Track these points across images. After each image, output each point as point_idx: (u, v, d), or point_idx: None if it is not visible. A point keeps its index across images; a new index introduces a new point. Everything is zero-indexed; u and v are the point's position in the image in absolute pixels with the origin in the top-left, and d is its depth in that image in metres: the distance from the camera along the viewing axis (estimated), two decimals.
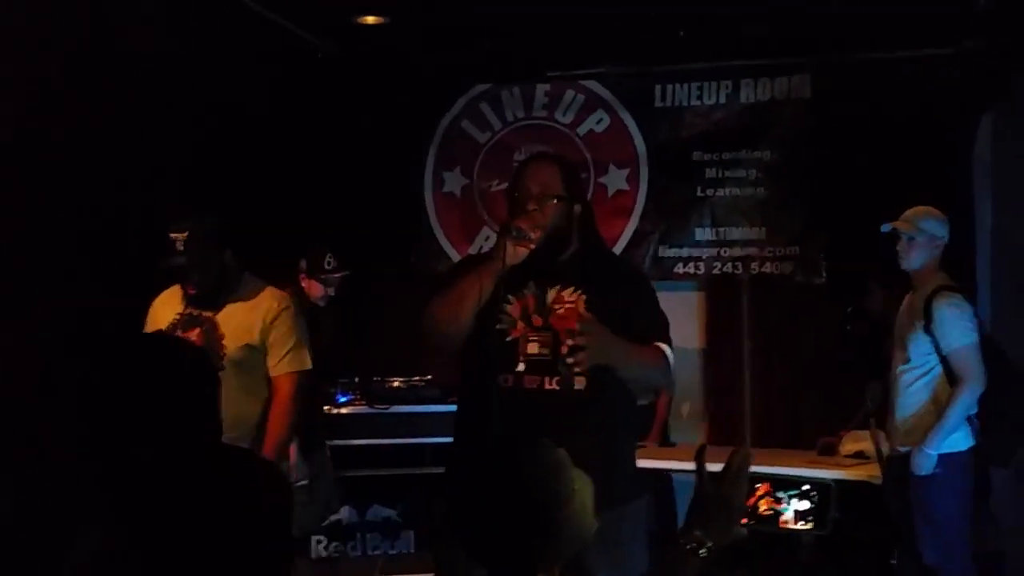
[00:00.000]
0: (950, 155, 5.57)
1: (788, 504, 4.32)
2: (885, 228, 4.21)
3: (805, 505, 4.27)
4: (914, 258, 4.16)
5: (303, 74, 5.73)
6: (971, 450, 4.04)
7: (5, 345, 3.62)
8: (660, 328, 2.83)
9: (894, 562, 4.41)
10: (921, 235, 4.14)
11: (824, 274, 5.79)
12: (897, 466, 4.18)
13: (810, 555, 4.61)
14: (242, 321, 3.65)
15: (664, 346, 2.78)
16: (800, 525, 4.31)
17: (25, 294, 3.74)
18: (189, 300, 3.65)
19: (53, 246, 3.90)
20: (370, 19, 5.40)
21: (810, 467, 4.83)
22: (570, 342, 2.57)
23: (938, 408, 4.05)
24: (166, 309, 3.69)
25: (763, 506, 4.33)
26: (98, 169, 4.12)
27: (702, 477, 1.79)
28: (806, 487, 4.27)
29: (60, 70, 3.98)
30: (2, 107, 3.73)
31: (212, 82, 4.68)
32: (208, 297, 3.62)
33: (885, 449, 4.36)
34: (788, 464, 4.85)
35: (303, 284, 4.76)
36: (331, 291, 4.79)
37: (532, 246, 2.64)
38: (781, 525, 4.30)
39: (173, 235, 3.56)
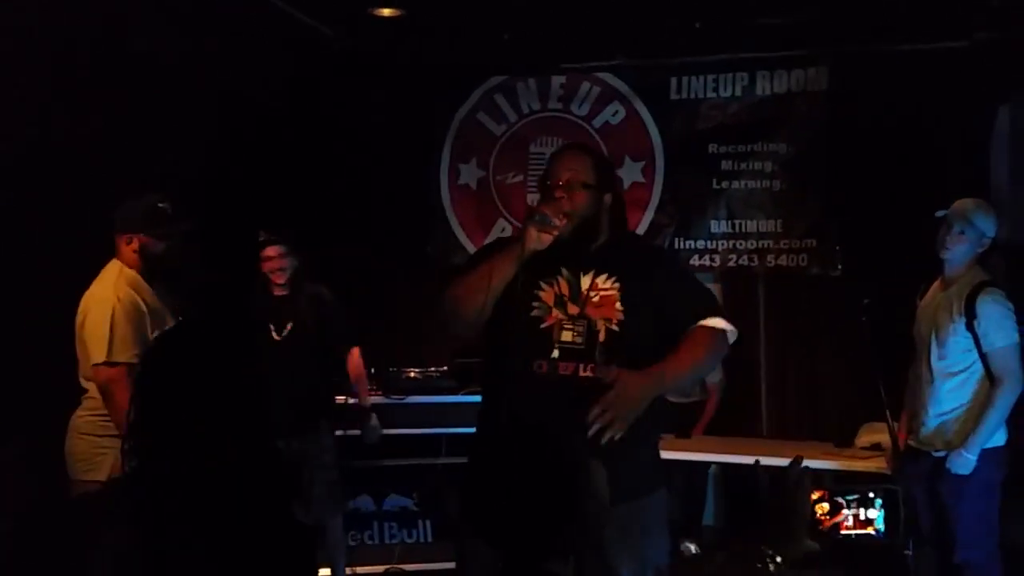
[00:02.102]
0: (967, 147, 5.56)
1: (848, 509, 4.34)
2: (940, 214, 4.07)
3: (872, 514, 4.28)
4: (959, 251, 4.04)
5: (319, 66, 5.75)
6: (1007, 445, 4.00)
7: (7, 344, 3.65)
8: (711, 303, 2.85)
9: (908, 552, 4.40)
10: (972, 231, 4.02)
11: (840, 266, 5.78)
12: (927, 463, 4.11)
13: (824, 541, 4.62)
14: None
15: (718, 321, 2.78)
16: (868, 531, 4.35)
17: (44, 287, 3.76)
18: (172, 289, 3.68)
19: (65, 242, 3.91)
20: (386, 11, 5.42)
21: (827, 459, 4.84)
22: (596, 426, 2.48)
23: (976, 408, 3.97)
24: (139, 297, 3.62)
25: (819, 511, 4.34)
26: (112, 161, 4.15)
27: (761, 489, 1.76)
28: (871, 494, 4.27)
29: (76, 65, 4.01)
30: (16, 103, 3.76)
31: (228, 74, 4.70)
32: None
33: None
34: (805, 456, 4.86)
35: None
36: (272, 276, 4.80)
37: (556, 233, 2.64)
38: (843, 529, 4.33)
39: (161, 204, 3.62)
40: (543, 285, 2.72)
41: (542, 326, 2.69)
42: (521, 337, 2.68)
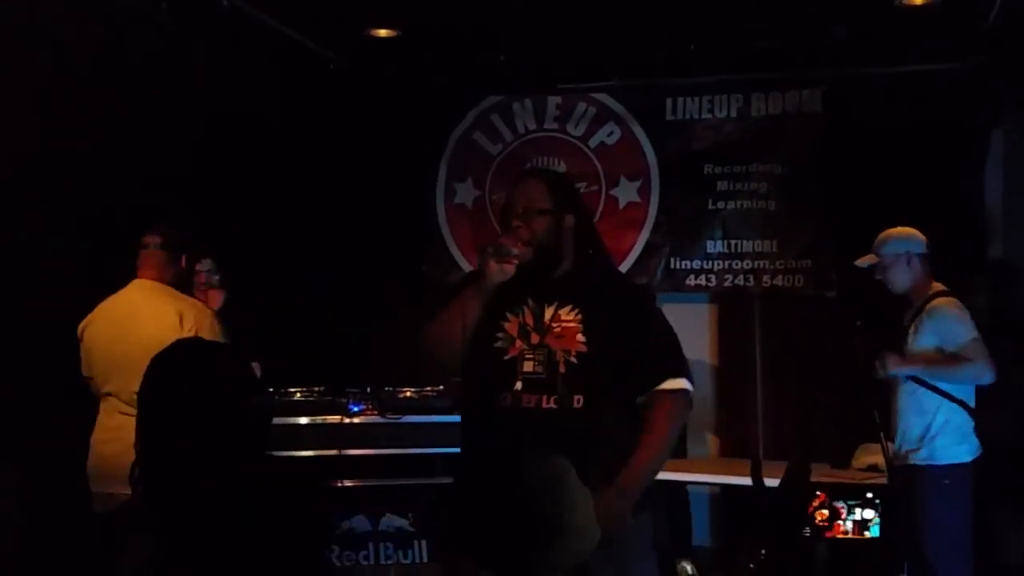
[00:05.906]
0: (961, 168, 5.58)
1: (849, 513, 4.33)
2: (863, 265, 4.30)
3: (870, 514, 4.28)
4: (892, 280, 4.22)
5: (316, 86, 5.78)
6: (973, 462, 4.06)
7: (7, 345, 3.67)
8: (677, 358, 2.75)
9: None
10: (887, 258, 4.20)
11: (835, 287, 5.79)
12: (901, 477, 4.16)
13: (823, 564, 4.61)
14: None
15: (681, 382, 2.71)
16: (865, 535, 4.34)
17: (26, 297, 3.79)
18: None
19: (66, 250, 3.95)
20: (382, 32, 5.44)
21: (823, 480, 4.83)
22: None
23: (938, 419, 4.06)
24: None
25: (819, 516, 4.33)
26: (108, 180, 4.19)
27: (759, 491, 1.77)
28: (869, 495, 4.27)
29: (74, 82, 4.05)
30: (14, 111, 3.79)
31: (225, 93, 4.73)
32: None
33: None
34: None
35: None
36: None
37: (516, 262, 2.62)
38: (839, 534, 4.32)
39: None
40: (508, 316, 2.72)
41: (505, 357, 2.69)
42: (487, 368, 2.69)
